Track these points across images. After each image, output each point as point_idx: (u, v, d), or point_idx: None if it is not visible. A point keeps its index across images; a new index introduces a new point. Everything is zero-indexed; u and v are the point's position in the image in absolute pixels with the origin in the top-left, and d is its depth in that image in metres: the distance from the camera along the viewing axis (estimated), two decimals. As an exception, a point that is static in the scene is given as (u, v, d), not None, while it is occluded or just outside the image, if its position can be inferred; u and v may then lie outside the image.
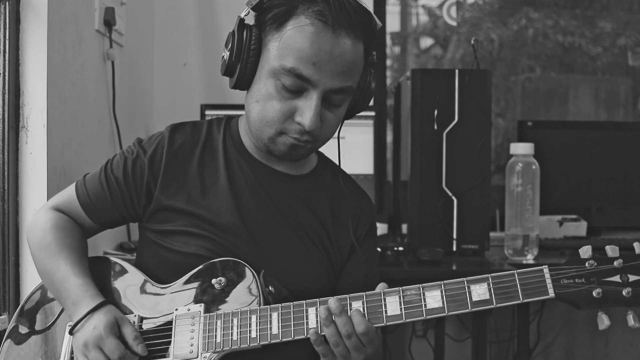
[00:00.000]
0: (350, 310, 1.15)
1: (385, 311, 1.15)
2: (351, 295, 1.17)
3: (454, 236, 2.05)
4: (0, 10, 1.55)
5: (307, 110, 1.20)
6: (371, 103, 2.42)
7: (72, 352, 1.23)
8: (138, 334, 1.20)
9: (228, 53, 1.24)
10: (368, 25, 1.23)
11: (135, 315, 1.24)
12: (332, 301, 1.15)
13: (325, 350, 1.15)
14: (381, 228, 2.45)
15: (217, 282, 1.23)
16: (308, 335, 1.15)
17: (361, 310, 1.15)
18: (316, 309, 1.17)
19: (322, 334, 1.15)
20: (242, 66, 1.22)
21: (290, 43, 1.18)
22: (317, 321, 1.16)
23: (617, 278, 1.11)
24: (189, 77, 2.56)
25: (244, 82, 1.25)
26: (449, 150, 2.06)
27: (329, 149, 1.38)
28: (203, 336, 1.19)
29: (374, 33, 1.25)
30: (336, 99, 1.23)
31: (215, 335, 1.19)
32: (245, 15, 1.23)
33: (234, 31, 1.23)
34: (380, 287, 1.18)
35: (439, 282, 1.15)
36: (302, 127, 1.21)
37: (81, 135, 1.82)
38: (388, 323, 1.15)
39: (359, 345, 1.13)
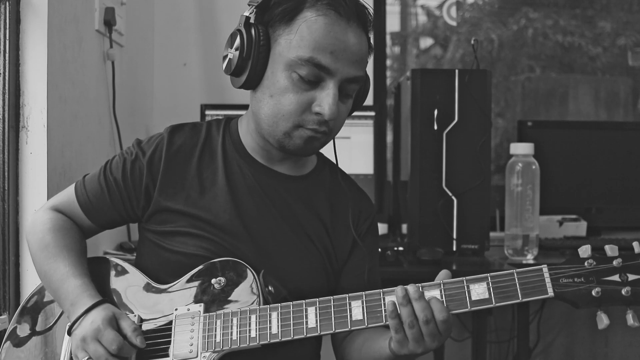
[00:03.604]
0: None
1: (384, 310, 1.15)
2: (350, 295, 1.17)
3: (454, 236, 2.05)
4: (0, 10, 1.56)
5: (325, 99, 1.20)
6: (371, 103, 2.44)
7: (72, 353, 1.22)
8: (137, 326, 1.20)
9: (236, 52, 1.23)
10: (368, 19, 1.26)
11: (135, 316, 1.24)
12: (411, 285, 1.13)
13: (397, 326, 1.13)
14: (381, 228, 2.45)
15: (217, 282, 1.23)
16: (386, 311, 1.13)
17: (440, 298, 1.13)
18: (316, 308, 1.17)
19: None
20: (253, 63, 1.22)
21: (305, 34, 1.19)
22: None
23: (616, 277, 1.11)
24: (189, 77, 2.56)
25: (254, 80, 1.24)
26: (449, 150, 2.06)
27: (325, 149, 1.38)
28: (203, 336, 1.19)
29: (370, 27, 1.27)
30: (350, 89, 1.24)
31: (215, 335, 1.19)
32: (249, 14, 1.23)
33: (240, 30, 1.23)
34: (441, 275, 1.16)
35: (438, 282, 1.15)
36: (320, 117, 1.21)
37: (81, 135, 1.82)
38: (387, 322, 1.14)
39: (436, 332, 1.12)
